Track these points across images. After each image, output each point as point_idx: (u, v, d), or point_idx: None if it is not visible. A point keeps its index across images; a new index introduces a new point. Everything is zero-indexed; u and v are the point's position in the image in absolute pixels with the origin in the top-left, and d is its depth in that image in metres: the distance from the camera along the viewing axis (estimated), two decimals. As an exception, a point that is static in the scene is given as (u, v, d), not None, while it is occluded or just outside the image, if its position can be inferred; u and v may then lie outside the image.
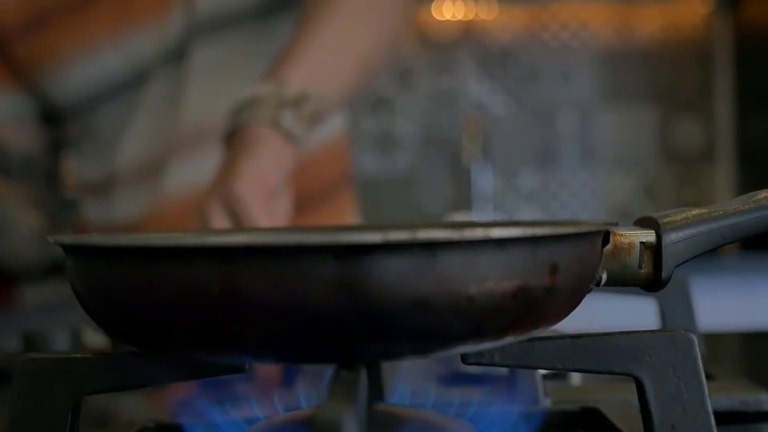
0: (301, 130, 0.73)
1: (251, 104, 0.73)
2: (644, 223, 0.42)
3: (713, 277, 1.76)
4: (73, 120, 1.03)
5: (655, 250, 0.41)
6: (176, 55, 0.98)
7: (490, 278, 0.33)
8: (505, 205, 2.24)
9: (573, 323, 0.43)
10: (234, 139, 0.73)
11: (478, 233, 0.32)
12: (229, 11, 0.98)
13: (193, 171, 0.97)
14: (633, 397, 0.39)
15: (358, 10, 0.85)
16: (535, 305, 0.35)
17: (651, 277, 0.41)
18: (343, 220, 1.06)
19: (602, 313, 0.90)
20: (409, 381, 0.48)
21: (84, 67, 1.00)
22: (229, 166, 0.70)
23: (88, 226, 1.08)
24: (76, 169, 1.09)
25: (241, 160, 0.69)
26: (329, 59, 0.80)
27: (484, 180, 2.19)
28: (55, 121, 1.05)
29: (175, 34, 0.97)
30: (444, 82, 2.25)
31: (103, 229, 1.05)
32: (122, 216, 1.03)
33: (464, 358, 0.38)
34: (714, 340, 0.74)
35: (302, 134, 0.73)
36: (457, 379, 0.54)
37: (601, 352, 0.39)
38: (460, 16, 2.24)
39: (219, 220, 0.67)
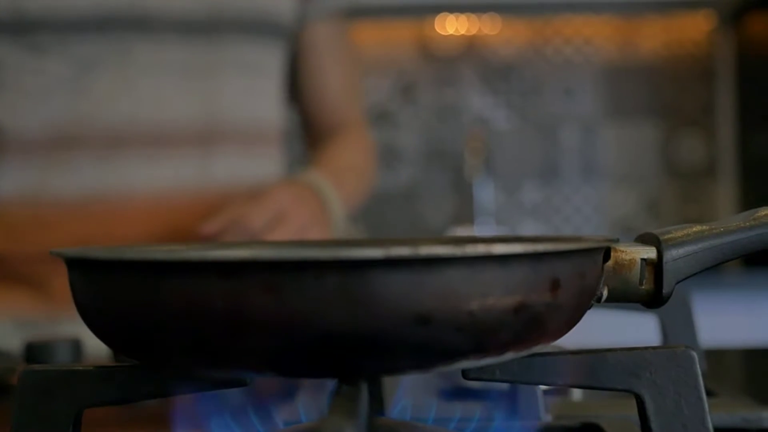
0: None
1: (325, 188, 0.89)
2: (645, 239, 0.42)
3: (715, 293, 1.76)
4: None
5: (656, 266, 0.41)
6: (197, 31, 0.89)
7: (491, 294, 0.33)
8: (507, 220, 2.24)
9: (574, 339, 0.43)
10: (308, 187, 0.87)
11: (480, 249, 0.32)
12: (254, 20, 0.93)
13: (207, 169, 0.90)
14: (634, 413, 0.39)
15: (354, 161, 1.04)
16: (537, 321, 0.35)
17: (652, 293, 0.41)
18: None
19: (603, 329, 0.90)
20: (410, 395, 0.48)
21: None
22: (312, 209, 0.86)
23: None
24: None
25: (304, 210, 0.85)
26: (351, 195, 1.00)
27: (486, 194, 2.20)
28: None
29: (194, 7, 0.88)
30: (447, 97, 2.25)
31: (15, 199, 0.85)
32: (69, 189, 0.85)
33: (465, 374, 0.38)
34: (716, 357, 0.74)
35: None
36: (458, 393, 0.54)
37: (601, 368, 0.39)
38: (463, 31, 2.25)
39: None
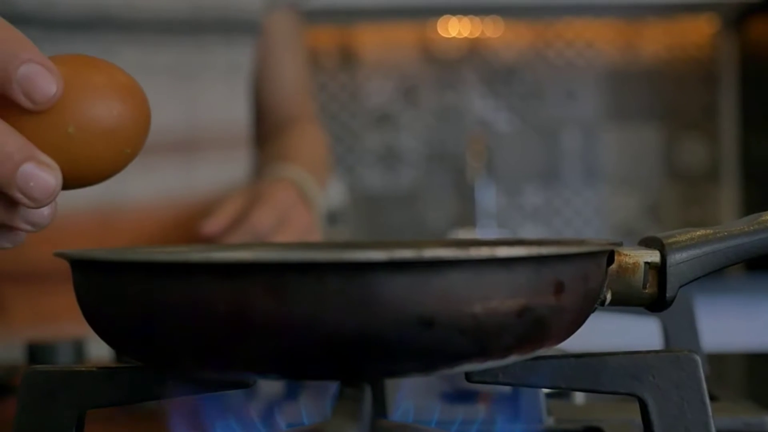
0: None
1: (306, 180, 0.89)
2: (649, 243, 0.42)
3: (718, 297, 1.76)
4: None
5: (659, 270, 0.41)
6: (182, 33, 0.87)
7: (495, 297, 0.33)
8: (508, 222, 2.24)
9: (577, 342, 0.43)
10: (288, 184, 0.86)
11: (484, 252, 0.32)
12: (232, 18, 0.91)
13: (196, 174, 0.88)
14: (636, 417, 0.39)
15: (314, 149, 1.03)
16: (540, 324, 0.35)
17: (655, 297, 0.41)
18: None
19: (606, 332, 0.90)
20: (412, 397, 0.47)
21: None
22: (296, 206, 0.85)
23: None
24: None
25: (306, 213, 0.86)
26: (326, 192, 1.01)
27: (488, 197, 2.19)
28: None
29: (179, 6, 0.87)
30: (449, 99, 2.25)
31: None
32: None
33: (468, 377, 0.38)
34: (718, 361, 0.74)
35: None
36: (460, 396, 0.54)
37: (604, 372, 0.39)
38: (465, 34, 2.25)
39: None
